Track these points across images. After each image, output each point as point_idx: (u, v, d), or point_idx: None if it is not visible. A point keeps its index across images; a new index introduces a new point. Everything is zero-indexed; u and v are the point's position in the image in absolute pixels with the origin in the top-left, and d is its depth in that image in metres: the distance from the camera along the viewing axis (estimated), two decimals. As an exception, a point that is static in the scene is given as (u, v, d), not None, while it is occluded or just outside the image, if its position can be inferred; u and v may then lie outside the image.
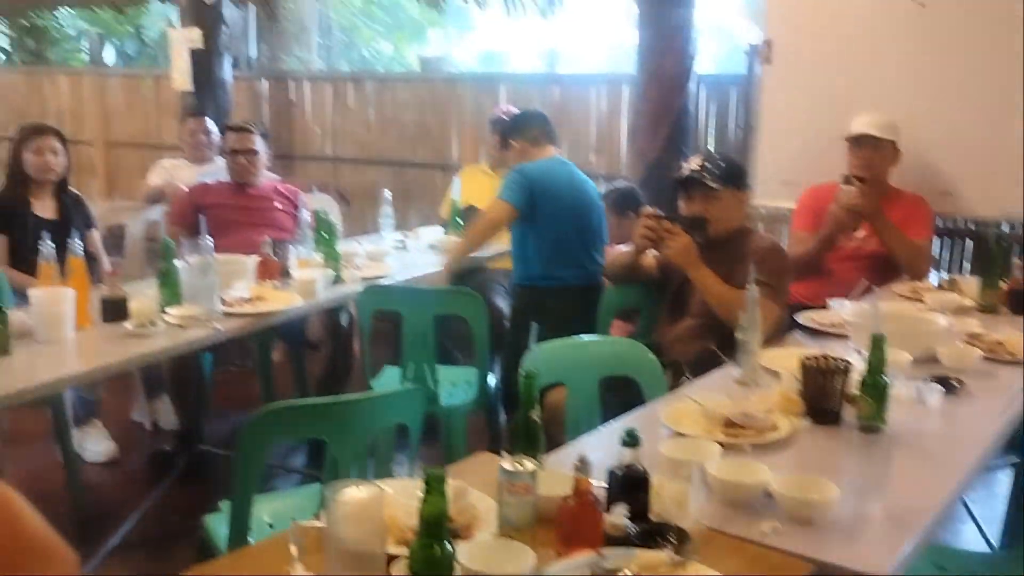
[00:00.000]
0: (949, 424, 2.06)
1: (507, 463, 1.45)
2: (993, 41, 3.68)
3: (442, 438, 3.14)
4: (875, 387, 1.94)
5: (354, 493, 1.31)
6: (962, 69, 3.74)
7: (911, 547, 1.50)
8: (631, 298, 3.26)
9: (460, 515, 1.48)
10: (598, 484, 1.51)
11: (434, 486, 1.18)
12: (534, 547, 1.38)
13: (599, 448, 1.78)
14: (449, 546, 1.21)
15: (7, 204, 3.53)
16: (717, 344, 2.72)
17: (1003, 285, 3.07)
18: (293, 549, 1.38)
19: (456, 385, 3.34)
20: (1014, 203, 3.74)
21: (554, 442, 1.93)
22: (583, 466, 1.45)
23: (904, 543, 1.50)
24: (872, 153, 3.51)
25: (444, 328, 3.34)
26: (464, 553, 1.30)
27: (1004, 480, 3.24)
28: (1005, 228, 4.08)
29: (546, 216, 3.51)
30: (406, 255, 3.93)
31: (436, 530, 1.19)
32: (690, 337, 2.84)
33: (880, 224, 3.38)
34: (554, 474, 1.55)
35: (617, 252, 3.23)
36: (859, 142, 3.50)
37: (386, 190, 4.27)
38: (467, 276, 3.94)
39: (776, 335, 2.67)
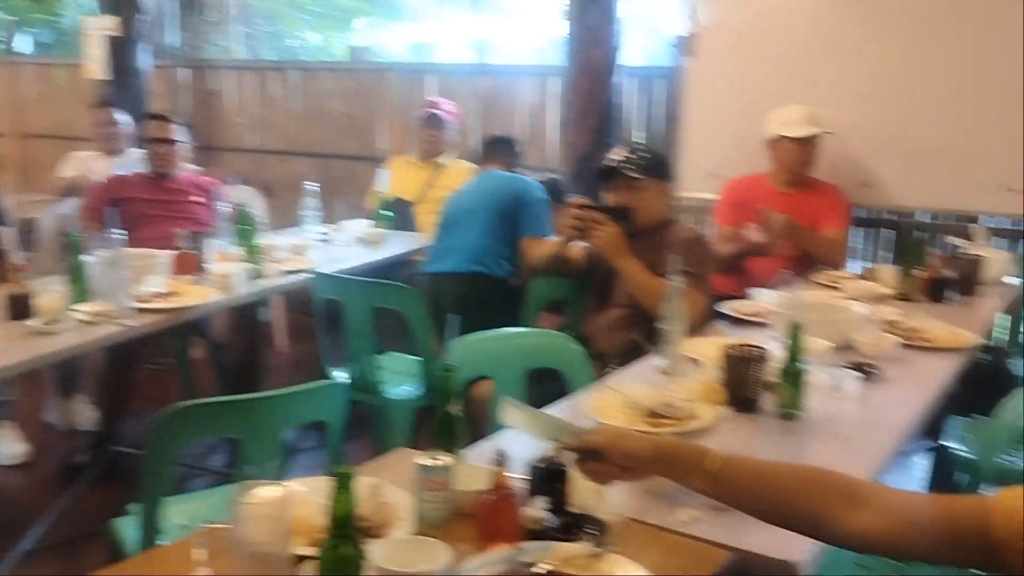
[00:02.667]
0: (866, 410, 2.08)
1: (423, 458, 1.42)
2: (913, 34, 3.76)
3: (379, 433, 3.09)
4: (792, 375, 1.97)
5: (262, 493, 1.26)
6: (881, 63, 3.82)
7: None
8: (559, 290, 3.25)
9: (376, 513, 1.44)
10: (518, 477, 1.49)
11: (343, 484, 1.15)
12: (452, 543, 1.35)
13: (523, 441, 1.76)
14: (358, 545, 1.17)
15: None
16: (643, 334, 2.73)
17: (920, 273, 3.14)
18: (199, 552, 1.32)
19: (414, 377, 3.27)
20: (930, 194, 3.85)
21: (483, 437, 1.91)
22: (501, 460, 1.42)
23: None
24: (795, 147, 3.57)
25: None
26: (377, 552, 1.26)
27: (922, 465, 3.31)
28: (923, 218, 4.18)
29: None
30: (331, 248, 3.86)
31: (344, 529, 1.15)
32: (616, 328, 2.84)
33: (797, 240, 3.43)
34: (472, 469, 1.52)
35: (544, 243, 3.21)
36: (782, 138, 3.56)
37: (310, 182, 4.19)
38: (395, 269, 3.89)
39: (700, 324, 2.68)
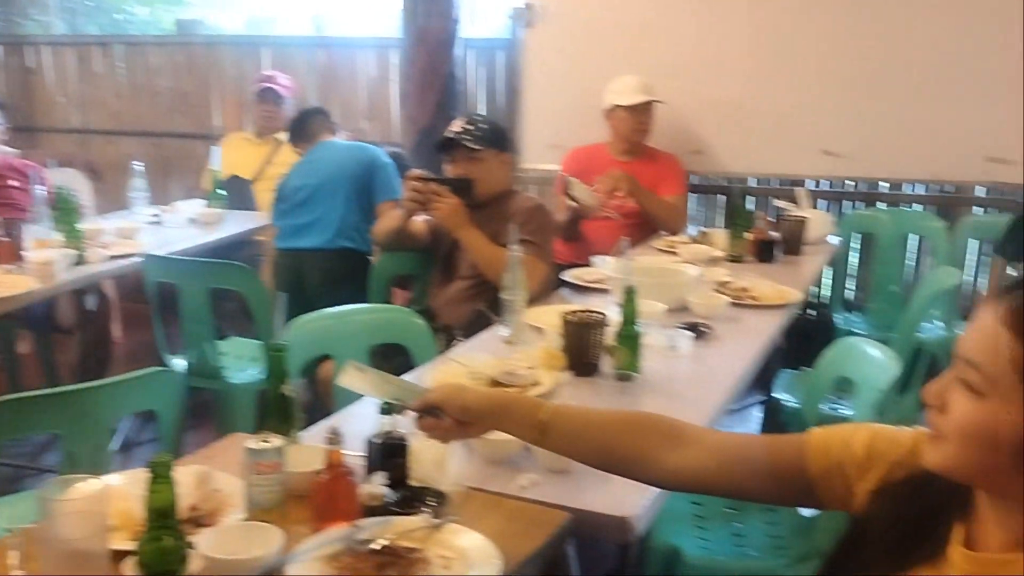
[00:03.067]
0: (699, 367, 2.16)
1: (251, 442, 1.37)
2: (740, 7, 3.91)
3: (223, 419, 2.99)
4: (629, 337, 2.02)
5: (78, 488, 1.19)
6: (711, 35, 3.95)
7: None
8: (406, 265, 3.22)
9: (205, 501, 1.39)
10: (354, 455, 1.46)
11: (160, 474, 1.09)
12: (286, 526, 1.31)
13: (365, 418, 1.73)
14: (181, 536, 1.12)
15: None
16: (487, 305, 2.74)
17: (748, 236, 3.28)
18: (12, 554, 1.24)
19: (258, 360, 3.17)
20: (758, 160, 4.03)
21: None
22: (334, 438, 1.39)
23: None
24: (629, 115, 3.65)
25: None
26: (205, 541, 1.22)
27: (757, 417, 3.49)
28: (752, 183, 4.36)
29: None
30: (163, 230, 3.69)
31: (165, 520, 1.10)
32: (460, 300, 2.84)
33: (636, 196, 3.52)
34: (305, 449, 1.49)
35: (390, 215, 3.17)
36: (616, 107, 3.65)
37: (136, 162, 3.98)
38: (235, 249, 3.76)
39: (543, 293, 2.71)
